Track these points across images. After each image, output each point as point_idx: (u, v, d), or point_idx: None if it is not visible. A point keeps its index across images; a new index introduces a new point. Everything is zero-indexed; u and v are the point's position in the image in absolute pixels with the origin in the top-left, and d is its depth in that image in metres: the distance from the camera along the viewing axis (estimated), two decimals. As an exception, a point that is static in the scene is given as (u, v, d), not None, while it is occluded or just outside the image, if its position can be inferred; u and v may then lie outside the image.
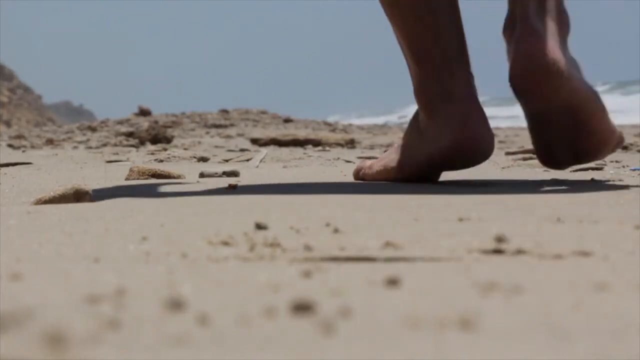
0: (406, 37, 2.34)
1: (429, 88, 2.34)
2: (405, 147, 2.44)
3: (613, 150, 2.42)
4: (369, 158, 3.54)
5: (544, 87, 2.15)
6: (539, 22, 2.15)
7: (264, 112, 12.46)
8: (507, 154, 4.76)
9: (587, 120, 2.25)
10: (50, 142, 7.64)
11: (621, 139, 2.41)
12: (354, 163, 3.85)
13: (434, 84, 2.33)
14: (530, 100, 2.22)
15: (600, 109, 2.28)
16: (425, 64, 2.31)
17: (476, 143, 2.27)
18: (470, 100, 2.29)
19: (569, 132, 2.26)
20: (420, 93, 2.37)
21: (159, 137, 6.75)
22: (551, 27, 2.16)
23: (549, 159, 2.37)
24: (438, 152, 2.31)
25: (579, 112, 2.23)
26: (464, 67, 2.34)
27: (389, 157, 2.50)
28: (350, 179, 2.86)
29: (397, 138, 7.97)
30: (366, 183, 2.66)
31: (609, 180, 2.73)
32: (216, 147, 6.71)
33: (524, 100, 2.23)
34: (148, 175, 2.93)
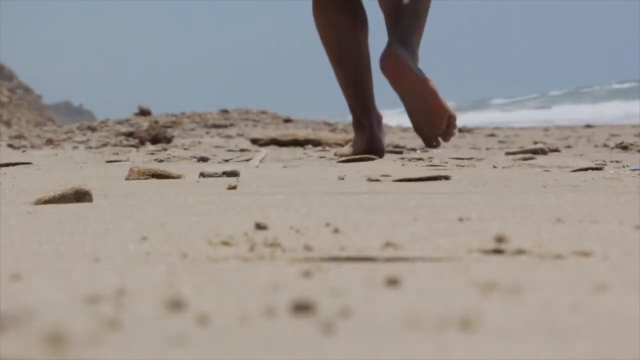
0: (342, 83, 4.37)
1: (355, 115, 4.35)
2: (353, 142, 4.40)
3: (448, 127, 4.00)
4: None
5: (402, 81, 3.91)
6: (398, 47, 3.92)
7: (264, 112, 12.45)
8: (507, 154, 4.75)
9: (428, 99, 3.91)
10: (50, 142, 7.64)
11: (453, 117, 4.01)
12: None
13: (358, 112, 4.32)
14: (397, 89, 3.96)
15: (435, 92, 3.93)
16: (351, 100, 4.34)
17: (373, 151, 4.20)
18: (372, 131, 4.27)
19: (420, 105, 3.95)
20: (352, 114, 4.38)
21: (159, 137, 6.75)
22: (407, 51, 3.95)
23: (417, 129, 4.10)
24: (360, 150, 4.25)
25: (422, 95, 3.92)
26: (371, 105, 4.33)
27: (349, 146, 4.40)
28: (350, 179, 2.86)
29: (397, 137, 8.03)
30: (366, 183, 2.66)
31: (609, 180, 2.73)
32: (216, 147, 6.72)
33: (395, 89, 3.98)
34: (148, 175, 2.93)
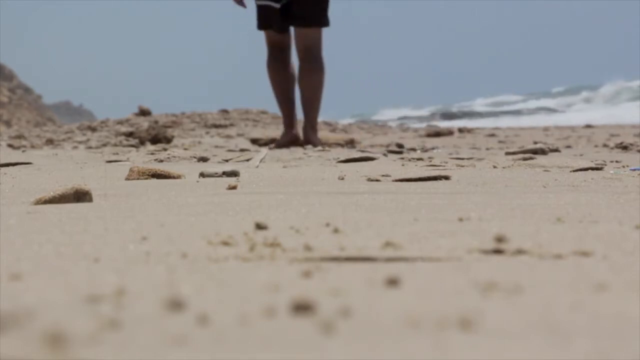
0: (281, 105, 7.41)
1: (286, 122, 7.27)
2: (281, 135, 7.37)
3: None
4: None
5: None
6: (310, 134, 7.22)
7: (264, 112, 12.46)
8: (507, 154, 4.75)
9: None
10: (50, 142, 7.64)
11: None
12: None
13: (288, 120, 7.24)
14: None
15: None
16: (287, 112, 7.36)
17: (292, 141, 7.20)
18: (294, 130, 7.35)
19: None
20: (285, 121, 7.36)
21: (159, 137, 6.75)
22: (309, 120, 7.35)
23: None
24: (284, 140, 7.11)
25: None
26: (293, 120, 7.40)
27: (280, 138, 7.50)
28: (350, 179, 2.86)
29: (397, 137, 8.04)
30: (366, 183, 2.66)
31: (609, 180, 2.74)
32: (216, 147, 6.72)
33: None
34: (148, 175, 2.94)
